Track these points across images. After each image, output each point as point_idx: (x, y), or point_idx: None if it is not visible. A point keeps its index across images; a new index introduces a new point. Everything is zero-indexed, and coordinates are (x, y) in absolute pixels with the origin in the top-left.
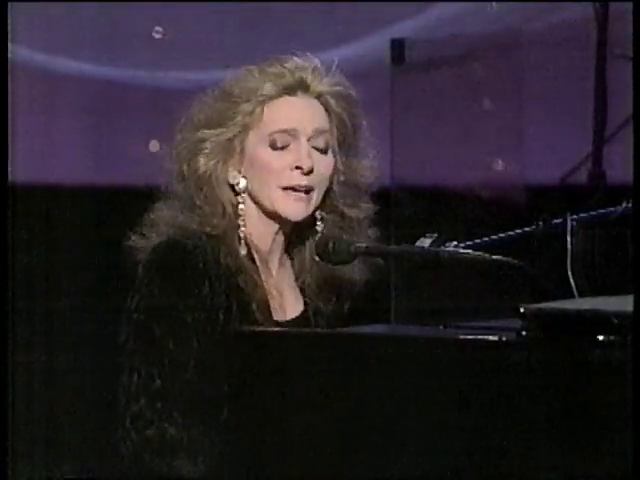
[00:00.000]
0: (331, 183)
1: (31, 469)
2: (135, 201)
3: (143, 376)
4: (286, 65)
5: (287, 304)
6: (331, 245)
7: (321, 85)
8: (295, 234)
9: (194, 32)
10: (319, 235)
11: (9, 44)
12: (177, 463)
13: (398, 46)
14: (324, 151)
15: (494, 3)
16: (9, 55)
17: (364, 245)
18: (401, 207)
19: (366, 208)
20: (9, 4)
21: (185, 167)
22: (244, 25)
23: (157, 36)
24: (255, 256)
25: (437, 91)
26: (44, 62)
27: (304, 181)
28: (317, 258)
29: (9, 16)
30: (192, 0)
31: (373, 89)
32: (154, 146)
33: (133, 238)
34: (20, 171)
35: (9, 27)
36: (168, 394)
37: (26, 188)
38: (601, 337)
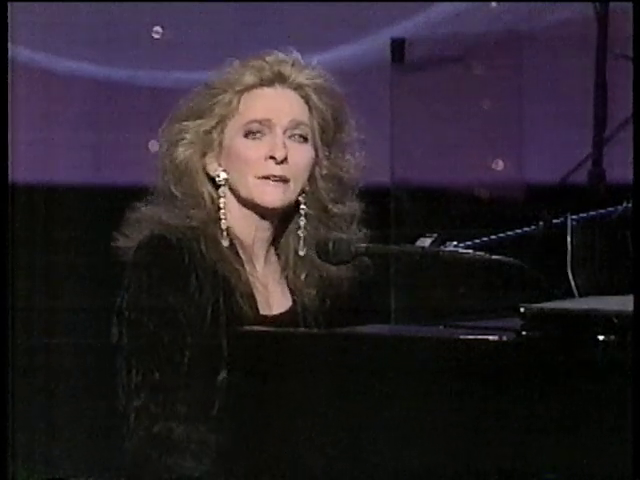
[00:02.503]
0: (313, 176)
1: (31, 469)
2: (135, 201)
3: (141, 372)
4: (266, 58)
5: (273, 299)
6: (331, 245)
7: (300, 77)
8: (279, 229)
9: (194, 32)
10: (302, 230)
11: (9, 44)
12: (183, 459)
13: (398, 45)
14: (301, 142)
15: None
16: (9, 55)
17: (364, 245)
18: (401, 207)
19: (351, 206)
20: (9, 4)
21: (166, 160)
22: (244, 25)
23: (157, 36)
24: (239, 249)
25: (437, 91)
26: (44, 62)
27: (278, 171)
28: (306, 256)
29: (9, 16)
30: (192, 0)
31: (373, 89)
32: (154, 146)
33: (119, 239)
34: (20, 171)
35: (9, 27)
36: (168, 386)
37: (26, 188)
38: (601, 337)
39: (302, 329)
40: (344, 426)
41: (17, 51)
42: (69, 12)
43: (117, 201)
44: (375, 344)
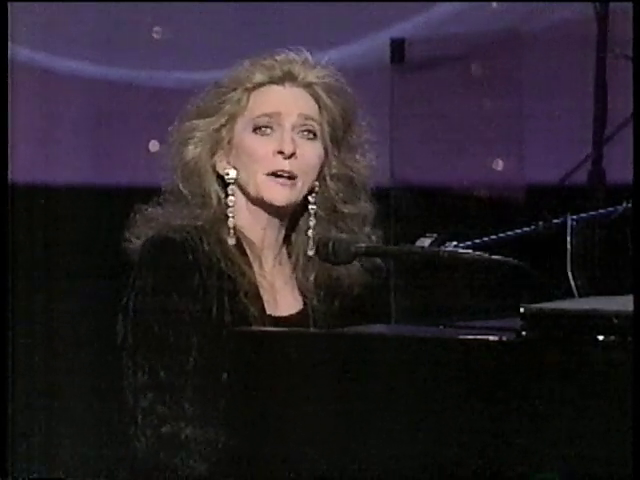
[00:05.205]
0: (323, 175)
1: (31, 469)
2: (135, 201)
3: (147, 371)
4: (277, 57)
5: (282, 300)
6: (331, 245)
7: (310, 76)
8: (289, 230)
9: (194, 32)
10: (311, 231)
11: (9, 44)
12: (191, 459)
13: (398, 46)
14: (311, 139)
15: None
16: (9, 55)
17: (364, 245)
18: (401, 207)
19: (362, 207)
20: (9, 4)
21: (176, 158)
22: (244, 25)
23: (157, 36)
24: (246, 248)
25: (437, 91)
26: (44, 62)
27: (286, 166)
28: (316, 257)
29: (9, 16)
30: (192, 0)
31: (373, 89)
32: (154, 146)
33: (130, 239)
34: (20, 171)
35: (9, 27)
36: (174, 386)
37: (26, 188)
38: (601, 337)
39: (300, 329)
40: (343, 426)
41: (17, 51)
42: (69, 12)
43: (117, 201)
44: (375, 344)
